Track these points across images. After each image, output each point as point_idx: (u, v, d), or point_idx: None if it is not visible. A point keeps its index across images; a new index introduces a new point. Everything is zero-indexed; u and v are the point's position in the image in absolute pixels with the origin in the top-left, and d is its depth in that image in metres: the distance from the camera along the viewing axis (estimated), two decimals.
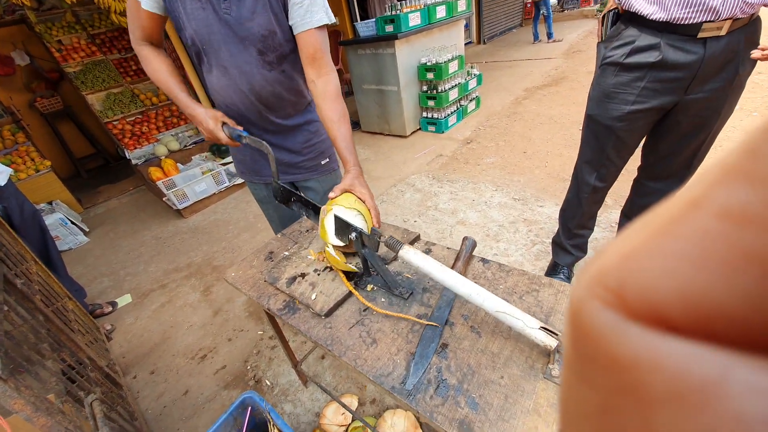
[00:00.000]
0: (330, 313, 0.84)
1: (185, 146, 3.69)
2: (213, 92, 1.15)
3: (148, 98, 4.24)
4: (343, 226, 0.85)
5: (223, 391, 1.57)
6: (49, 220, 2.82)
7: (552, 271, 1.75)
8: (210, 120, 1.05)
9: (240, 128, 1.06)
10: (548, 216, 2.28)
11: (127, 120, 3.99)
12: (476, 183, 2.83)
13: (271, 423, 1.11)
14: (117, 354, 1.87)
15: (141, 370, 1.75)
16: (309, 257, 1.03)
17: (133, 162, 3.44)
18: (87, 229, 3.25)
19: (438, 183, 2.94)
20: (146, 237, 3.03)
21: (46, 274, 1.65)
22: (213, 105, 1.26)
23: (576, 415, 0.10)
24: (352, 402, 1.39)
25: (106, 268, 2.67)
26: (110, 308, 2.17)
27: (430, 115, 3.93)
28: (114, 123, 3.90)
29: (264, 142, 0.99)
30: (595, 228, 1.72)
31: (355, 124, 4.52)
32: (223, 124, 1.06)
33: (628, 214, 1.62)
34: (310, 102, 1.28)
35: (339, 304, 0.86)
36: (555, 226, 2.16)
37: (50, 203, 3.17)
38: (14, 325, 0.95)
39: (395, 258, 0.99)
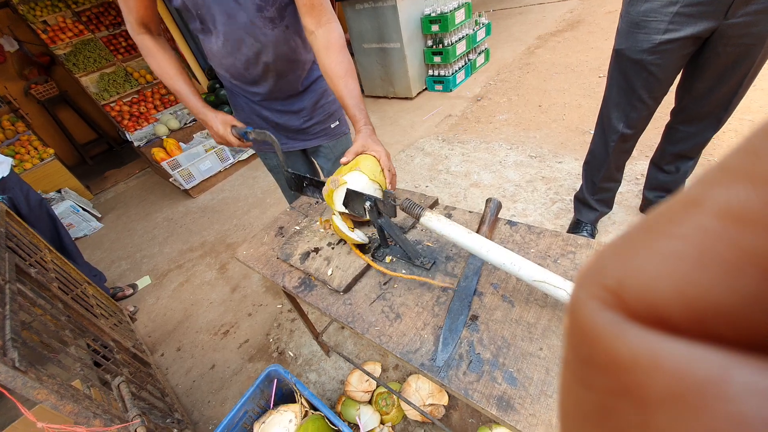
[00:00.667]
0: (348, 288, 0.79)
1: (185, 124, 3.59)
2: (215, 61, 1.06)
3: (142, 76, 4.08)
4: (355, 197, 0.78)
5: (248, 363, 1.60)
6: (60, 208, 2.83)
7: (574, 228, 1.67)
8: (220, 125, 1.04)
9: (243, 126, 1.04)
10: (568, 172, 2.16)
11: (124, 101, 3.88)
12: (489, 142, 2.68)
13: (298, 393, 1.11)
14: (143, 333, 1.92)
15: (167, 348, 1.80)
16: (321, 230, 0.97)
17: (135, 144, 3.38)
18: (99, 215, 3.27)
19: (448, 145, 2.81)
20: (158, 219, 3.03)
21: (62, 262, 1.65)
22: (207, 73, 1.17)
23: (575, 417, 0.10)
24: (375, 369, 1.40)
25: (123, 252, 2.70)
26: (131, 290, 2.21)
27: (436, 73, 3.69)
28: (111, 105, 3.79)
29: (268, 133, 0.95)
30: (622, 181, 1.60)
31: None
32: (232, 127, 1.04)
33: (658, 163, 1.50)
34: (313, 62, 1.17)
35: (357, 279, 0.81)
36: (576, 183, 2.05)
37: (59, 191, 3.18)
38: (32, 315, 0.94)
39: (413, 226, 0.92)
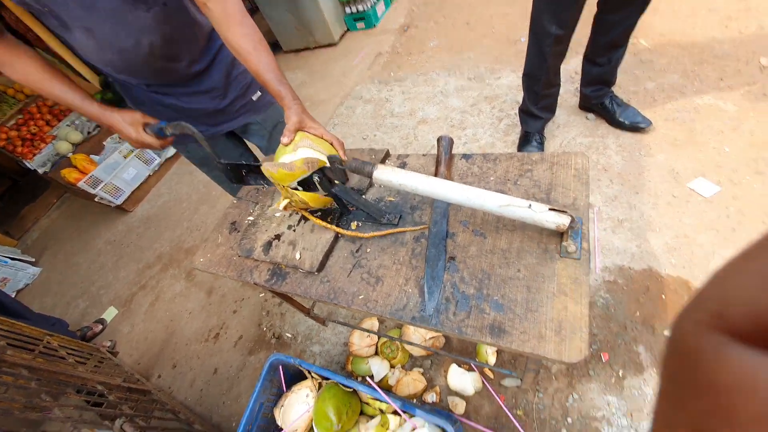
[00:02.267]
0: (322, 266, 0.76)
1: (89, 133, 3.12)
2: (86, 56, 0.87)
3: (19, 91, 3.39)
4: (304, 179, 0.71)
5: (249, 357, 1.60)
6: None
7: (524, 141, 1.70)
8: (129, 127, 0.87)
9: (156, 121, 0.90)
10: (508, 86, 2.15)
11: (8, 126, 3.24)
12: (426, 74, 2.58)
13: (307, 372, 1.14)
14: (131, 363, 1.84)
15: (162, 369, 1.75)
16: (277, 214, 0.91)
17: (40, 171, 2.91)
18: (33, 259, 2.91)
19: (386, 86, 2.67)
20: (99, 245, 2.75)
21: (9, 324, 1.47)
22: (92, 69, 0.97)
23: None
24: (373, 324, 1.45)
25: (75, 290, 2.47)
26: (100, 326, 2.06)
27: (354, 9, 3.37)
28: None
29: (184, 123, 0.80)
30: None
31: (275, 47, 3.87)
32: (145, 125, 0.88)
33: (591, 57, 1.52)
34: (212, 29, 1.00)
35: (328, 254, 0.78)
36: (517, 95, 2.05)
37: None
38: None
39: (371, 185, 0.88)
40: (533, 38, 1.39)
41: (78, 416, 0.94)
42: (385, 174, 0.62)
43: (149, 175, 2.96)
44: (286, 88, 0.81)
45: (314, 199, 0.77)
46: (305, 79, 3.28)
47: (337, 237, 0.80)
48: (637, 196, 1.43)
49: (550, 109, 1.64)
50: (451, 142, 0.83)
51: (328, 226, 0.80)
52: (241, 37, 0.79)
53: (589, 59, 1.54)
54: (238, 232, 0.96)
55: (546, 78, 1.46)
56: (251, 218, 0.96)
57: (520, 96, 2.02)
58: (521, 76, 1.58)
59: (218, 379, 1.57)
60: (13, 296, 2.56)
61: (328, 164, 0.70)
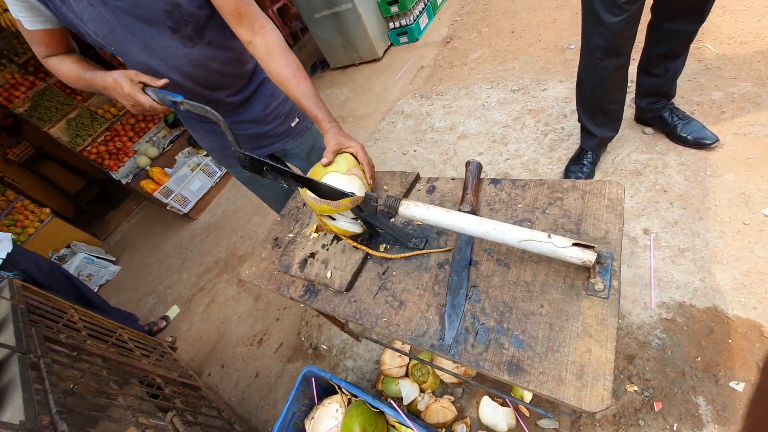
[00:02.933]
0: (350, 286, 0.80)
1: (164, 149, 3.54)
2: None
3: (107, 111, 3.98)
4: (330, 193, 0.76)
5: (287, 365, 1.68)
6: (75, 262, 2.91)
7: (575, 158, 1.61)
8: (124, 82, 0.80)
9: (162, 82, 0.82)
10: (554, 98, 2.06)
11: (98, 141, 3.82)
12: (468, 87, 2.56)
13: (338, 387, 1.18)
14: (186, 359, 2.03)
15: (212, 367, 1.90)
16: (312, 235, 0.97)
17: (123, 182, 3.38)
18: (114, 259, 3.36)
19: (427, 101, 2.70)
20: (168, 248, 3.09)
21: (90, 316, 1.72)
22: None
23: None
24: (404, 345, 1.45)
25: (146, 288, 2.80)
26: (164, 323, 2.31)
27: (397, 24, 3.47)
28: (87, 149, 3.75)
29: (208, 108, 0.74)
30: None
31: (323, 64, 4.12)
32: (144, 85, 0.82)
33: (646, 67, 1.41)
34: (256, 65, 1.11)
35: (356, 275, 0.81)
36: (564, 108, 1.96)
37: (69, 247, 3.25)
38: (73, 380, 1.00)
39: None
40: (583, 48, 1.32)
41: (137, 405, 1.07)
42: (410, 210, 0.64)
43: (211, 187, 3.28)
44: (322, 111, 0.87)
45: (343, 232, 0.81)
46: (349, 95, 3.43)
47: (366, 258, 0.84)
48: (701, 222, 1.29)
49: (610, 127, 1.49)
50: (479, 167, 0.83)
51: (359, 246, 0.83)
52: (282, 66, 0.88)
53: (643, 69, 1.42)
54: (280, 248, 1.04)
55: (599, 92, 1.37)
56: (291, 235, 1.03)
57: (567, 108, 1.94)
58: (573, 86, 1.50)
59: (259, 383, 1.68)
60: (95, 290, 2.97)
61: (344, 188, 0.75)
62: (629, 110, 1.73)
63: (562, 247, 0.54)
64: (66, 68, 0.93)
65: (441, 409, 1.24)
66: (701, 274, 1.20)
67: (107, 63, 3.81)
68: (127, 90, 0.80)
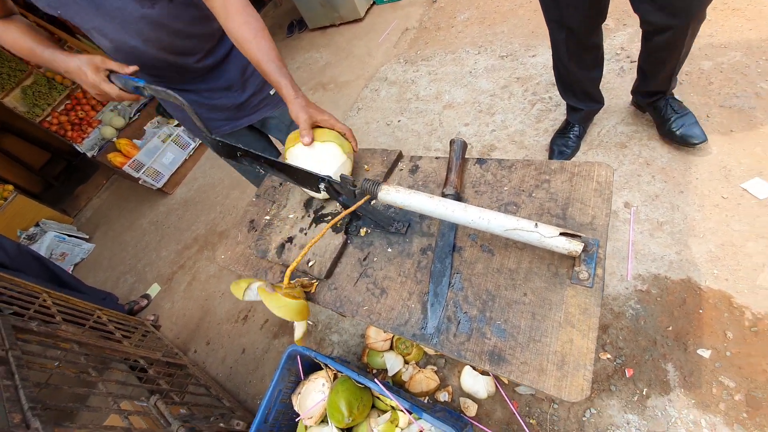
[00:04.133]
0: (330, 273, 0.77)
1: (130, 119, 3.30)
2: (111, 57, 0.90)
3: (66, 77, 3.64)
4: (307, 178, 0.71)
5: (273, 341, 1.69)
6: (46, 241, 2.77)
7: (561, 131, 1.57)
8: (89, 70, 0.75)
9: (131, 74, 0.77)
10: (543, 65, 1.98)
11: (59, 111, 3.52)
12: (455, 51, 2.44)
13: (323, 364, 1.19)
14: (171, 338, 2.02)
15: (197, 345, 1.90)
16: (290, 215, 0.93)
17: (89, 155, 3.16)
18: (87, 236, 3.22)
19: (412, 66, 2.56)
20: (144, 225, 2.98)
21: (65, 299, 1.66)
22: None
23: None
24: None
25: (124, 266, 2.71)
26: (145, 301, 2.26)
27: None
28: (48, 120, 3.45)
29: (173, 93, 0.70)
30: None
31: (300, 23, 3.82)
32: (110, 72, 0.77)
33: (641, 63, 1.28)
34: None
35: (336, 261, 0.78)
36: (552, 76, 1.88)
37: (37, 225, 3.09)
38: (47, 370, 0.97)
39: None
40: (549, 26, 1.23)
41: (119, 391, 1.05)
42: (390, 195, 0.60)
43: (185, 159, 3.11)
44: (286, 78, 0.79)
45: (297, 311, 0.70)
46: (330, 59, 3.23)
47: (346, 243, 0.80)
48: (681, 195, 1.30)
49: (593, 99, 1.43)
50: (464, 146, 0.79)
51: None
52: (241, 25, 0.78)
53: (640, 66, 1.31)
54: (256, 231, 0.99)
55: (576, 74, 1.30)
56: (267, 218, 0.98)
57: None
58: None
59: (246, 359, 1.69)
60: (70, 270, 2.87)
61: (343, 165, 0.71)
62: (618, 79, 1.68)
63: (548, 237, 0.51)
64: (12, 37, 0.81)
65: (424, 379, 1.28)
66: (678, 247, 1.23)
67: (64, 26, 3.42)
68: (91, 79, 0.76)
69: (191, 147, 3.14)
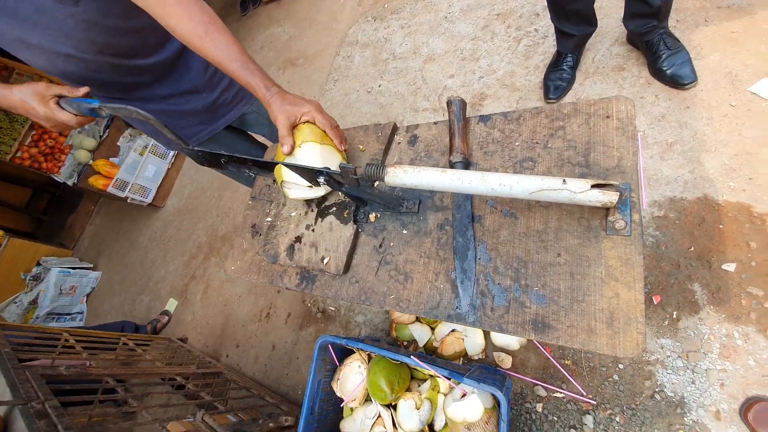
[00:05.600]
0: (347, 267, 0.74)
1: (101, 137, 3.14)
2: (42, 71, 0.81)
3: None
4: (307, 174, 0.65)
5: (300, 332, 1.71)
6: (52, 278, 2.74)
7: (553, 65, 1.47)
8: (35, 101, 0.69)
9: (78, 92, 0.72)
10: None
11: (26, 144, 3.34)
12: None
13: (356, 349, 1.20)
14: (200, 347, 2.05)
15: (228, 349, 1.93)
16: (292, 213, 0.88)
17: (69, 183, 3.04)
18: (91, 265, 3.19)
19: (383, 23, 2.38)
20: (144, 243, 2.93)
21: (86, 333, 1.66)
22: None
23: None
24: None
25: (136, 287, 2.71)
26: (166, 317, 2.27)
27: None
28: (18, 156, 3.29)
29: (132, 108, 0.64)
30: None
31: (252, 0, 3.53)
32: (59, 98, 0.71)
33: None
34: None
35: (351, 254, 0.75)
36: (534, 5, 1.75)
37: (39, 264, 3.04)
38: (86, 412, 0.97)
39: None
40: None
41: (163, 413, 1.06)
42: (398, 177, 0.54)
43: (168, 169, 3.00)
44: (257, 75, 0.70)
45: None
46: (293, 32, 3.01)
47: (357, 233, 0.76)
48: (687, 111, 1.24)
49: (587, 21, 1.30)
50: (462, 105, 0.72)
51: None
52: (185, 21, 0.66)
53: None
54: (260, 235, 0.95)
55: None
56: (269, 219, 0.93)
57: (538, 5, 1.74)
58: None
59: (277, 354, 1.72)
60: (83, 302, 2.87)
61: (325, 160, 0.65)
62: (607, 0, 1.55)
63: (579, 192, 0.47)
64: None
65: (455, 341, 1.30)
66: (690, 165, 1.19)
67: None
68: (41, 112, 0.69)
69: (171, 155, 3.01)
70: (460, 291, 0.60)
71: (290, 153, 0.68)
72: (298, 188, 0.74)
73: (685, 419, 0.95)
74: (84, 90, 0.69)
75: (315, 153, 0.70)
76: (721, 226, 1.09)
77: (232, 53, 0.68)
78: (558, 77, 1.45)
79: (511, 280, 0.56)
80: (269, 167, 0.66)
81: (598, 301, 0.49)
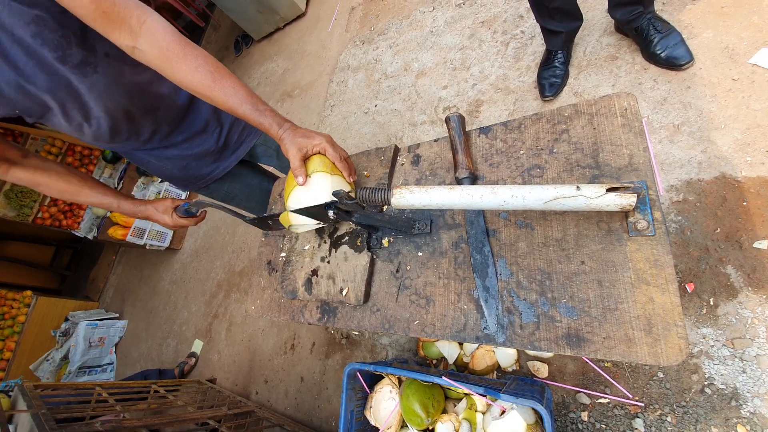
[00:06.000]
0: (367, 296, 0.73)
1: (116, 188, 3.25)
2: (75, 137, 0.87)
3: None
4: (316, 213, 0.66)
5: (327, 361, 1.69)
6: (80, 332, 2.80)
7: (545, 64, 1.47)
8: (165, 216, 0.95)
9: (181, 201, 0.97)
10: (503, 0, 1.85)
11: (46, 204, 3.49)
12: (408, 15, 2.30)
13: (385, 374, 1.17)
14: (229, 387, 2.04)
15: (257, 386, 1.92)
16: (306, 247, 0.88)
17: (90, 237, 3.14)
18: (117, 315, 3.25)
19: (371, 45, 2.44)
20: (165, 286, 2.98)
21: (118, 385, 1.67)
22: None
23: None
24: None
25: (162, 332, 2.74)
26: (193, 359, 2.28)
27: None
28: (39, 216, 3.43)
29: (202, 200, 0.90)
30: None
31: (246, 38, 3.67)
32: (174, 209, 0.95)
33: None
34: None
35: (369, 282, 0.74)
36: (517, 8, 1.77)
37: (67, 320, 3.11)
38: None
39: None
40: None
41: None
42: (404, 199, 0.54)
43: None
44: (267, 116, 0.73)
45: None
46: (287, 65, 3.10)
47: (373, 260, 0.76)
48: (689, 91, 1.21)
49: (572, 16, 1.30)
50: (461, 120, 0.72)
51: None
52: (192, 72, 0.68)
53: None
54: (277, 271, 0.96)
55: None
56: (283, 254, 0.94)
57: (521, 7, 1.76)
58: None
59: (307, 386, 1.70)
60: (113, 352, 2.91)
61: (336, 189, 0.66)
62: None
63: (595, 198, 0.46)
64: (56, 183, 0.87)
65: (486, 354, 1.26)
66: (702, 145, 1.16)
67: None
68: (171, 222, 0.96)
69: (183, 197, 3.09)
70: (485, 310, 0.58)
71: (304, 183, 0.70)
72: (305, 226, 0.76)
73: (742, 411, 0.89)
74: (182, 201, 0.96)
75: (326, 182, 0.71)
76: (744, 203, 1.05)
77: (241, 97, 0.70)
78: (551, 75, 1.45)
79: (537, 294, 0.55)
80: (299, 212, 0.67)
81: (632, 308, 0.47)
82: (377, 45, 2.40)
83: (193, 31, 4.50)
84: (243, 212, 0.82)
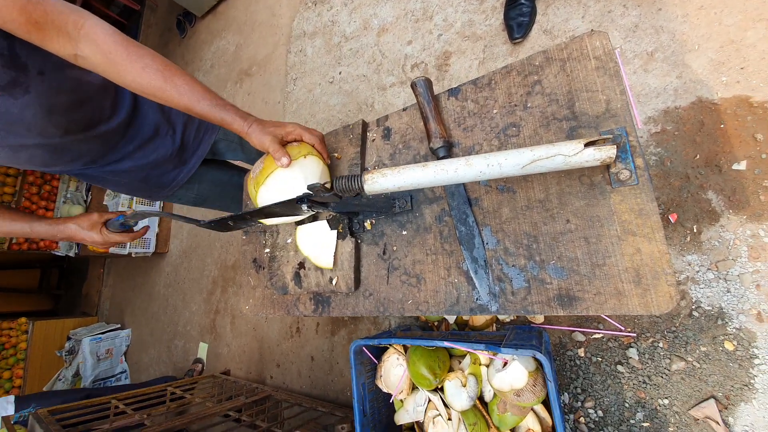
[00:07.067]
0: (358, 282, 0.72)
1: (86, 201, 3.11)
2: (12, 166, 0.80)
3: (2, 192, 3.37)
4: (288, 208, 0.62)
5: (333, 338, 1.73)
6: (85, 348, 2.79)
7: (510, 4, 1.38)
8: (92, 234, 0.82)
9: (113, 214, 0.85)
10: None
11: None
12: None
13: (390, 345, 1.20)
14: (243, 376, 2.09)
15: (270, 371, 1.97)
16: (288, 240, 0.85)
17: (71, 255, 3.04)
18: (118, 325, 3.24)
19: (324, 6, 2.25)
20: (161, 291, 2.96)
21: (132, 394, 1.69)
22: None
23: None
24: None
25: (167, 335, 2.75)
26: (200, 365, 2.32)
27: None
28: (14, 242, 3.27)
29: (142, 210, 0.77)
30: None
31: (188, 16, 3.34)
32: (104, 224, 0.83)
33: None
34: None
35: (358, 267, 0.72)
36: None
37: (69, 338, 3.09)
38: None
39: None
40: None
41: None
42: (377, 184, 0.51)
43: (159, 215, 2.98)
44: (229, 110, 0.67)
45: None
46: (238, 41, 2.87)
47: (358, 244, 0.74)
48: (660, 13, 1.16)
49: None
50: (428, 84, 0.67)
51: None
52: (139, 73, 0.62)
53: None
54: (264, 269, 0.93)
55: None
56: (267, 251, 0.91)
57: None
58: None
59: (318, 364, 1.75)
60: (122, 361, 2.94)
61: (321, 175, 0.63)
62: None
63: (573, 155, 0.43)
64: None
65: None
66: (677, 70, 1.12)
67: None
68: (100, 240, 0.83)
69: (158, 203, 2.97)
70: (476, 281, 0.57)
71: (289, 164, 0.65)
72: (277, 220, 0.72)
73: (728, 328, 0.94)
74: (119, 211, 0.76)
75: (317, 165, 0.69)
76: (722, 126, 1.04)
77: (197, 94, 0.64)
78: (518, 14, 1.36)
79: (525, 259, 0.54)
80: (265, 211, 0.62)
81: (620, 261, 0.47)
82: (331, 4, 2.21)
83: (129, 17, 4.08)
84: (195, 217, 0.74)
